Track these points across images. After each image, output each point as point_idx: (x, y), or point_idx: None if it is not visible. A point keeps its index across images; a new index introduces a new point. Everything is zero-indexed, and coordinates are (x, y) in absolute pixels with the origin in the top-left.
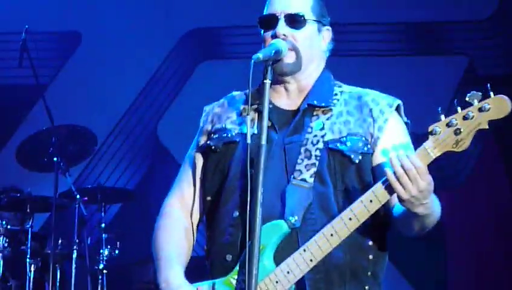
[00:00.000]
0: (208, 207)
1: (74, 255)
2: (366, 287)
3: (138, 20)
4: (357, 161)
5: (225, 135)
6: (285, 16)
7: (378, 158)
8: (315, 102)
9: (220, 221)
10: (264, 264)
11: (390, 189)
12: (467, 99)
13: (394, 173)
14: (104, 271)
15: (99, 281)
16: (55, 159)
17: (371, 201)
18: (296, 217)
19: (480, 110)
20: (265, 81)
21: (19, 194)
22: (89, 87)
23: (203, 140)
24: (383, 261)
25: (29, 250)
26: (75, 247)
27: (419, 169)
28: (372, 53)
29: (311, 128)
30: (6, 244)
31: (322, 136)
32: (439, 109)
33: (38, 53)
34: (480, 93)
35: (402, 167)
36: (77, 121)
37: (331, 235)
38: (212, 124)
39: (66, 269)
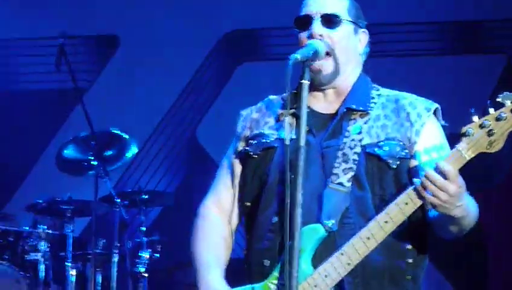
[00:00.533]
0: (247, 212)
1: (115, 259)
2: None
3: (176, 23)
4: (394, 167)
5: (263, 140)
6: (321, 16)
7: (414, 162)
8: (353, 106)
9: (259, 227)
10: (302, 268)
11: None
12: (499, 100)
13: (421, 183)
14: (145, 274)
15: (140, 284)
16: (94, 163)
17: (406, 204)
18: (333, 221)
19: None
20: (303, 82)
21: (59, 199)
22: (128, 91)
23: (241, 146)
24: (423, 265)
25: (70, 254)
26: (115, 251)
27: (449, 173)
28: (410, 53)
29: (349, 132)
30: (47, 249)
31: (360, 140)
32: (472, 110)
33: (76, 57)
34: None
35: (427, 177)
36: (116, 125)
37: (368, 238)
38: (250, 130)
39: (107, 273)
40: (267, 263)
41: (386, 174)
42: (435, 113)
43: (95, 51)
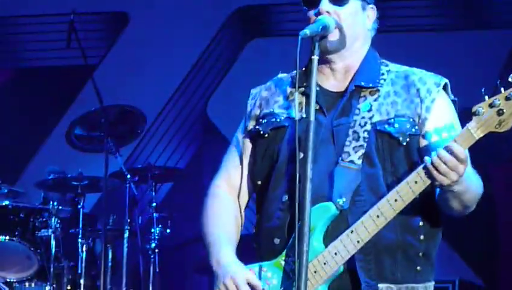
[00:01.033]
0: (258, 191)
1: (126, 235)
2: (418, 268)
3: None
4: (404, 143)
5: (274, 119)
6: None
7: (424, 141)
8: (362, 83)
9: (269, 205)
10: (314, 245)
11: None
12: (510, 80)
13: (432, 163)
14: (156, 250)
15: (151, 260)
16: (105, 139)
17: (415, 182)
18: (344, 199)
19: None
20: (313, 57)
21: (69, 175)
22: (138, 67)
23: (251, 125)
24: (436, 241)
25: (80, 231)
26: (126, 227)
27: (460, 155)
28: (419, 28)
29: (359, 109)
30: (58, 225)
31: (370, 118)
32: (483, 90)
33: (86, 34)
34: None
35: (440, 158)
36: (126, 101)
37: (377, 216)
38: (260, 109)
39: (118, 249)
40: (277, 241)
41: (397, 151)
42: (444, 88)
43: (105, 27)
